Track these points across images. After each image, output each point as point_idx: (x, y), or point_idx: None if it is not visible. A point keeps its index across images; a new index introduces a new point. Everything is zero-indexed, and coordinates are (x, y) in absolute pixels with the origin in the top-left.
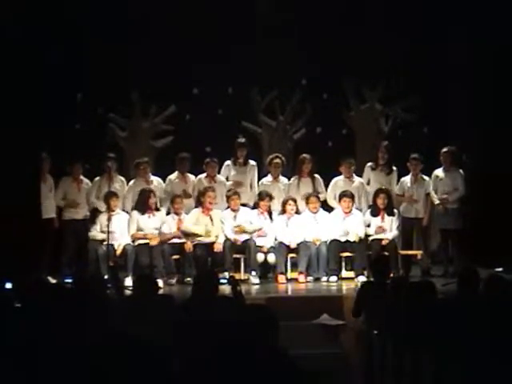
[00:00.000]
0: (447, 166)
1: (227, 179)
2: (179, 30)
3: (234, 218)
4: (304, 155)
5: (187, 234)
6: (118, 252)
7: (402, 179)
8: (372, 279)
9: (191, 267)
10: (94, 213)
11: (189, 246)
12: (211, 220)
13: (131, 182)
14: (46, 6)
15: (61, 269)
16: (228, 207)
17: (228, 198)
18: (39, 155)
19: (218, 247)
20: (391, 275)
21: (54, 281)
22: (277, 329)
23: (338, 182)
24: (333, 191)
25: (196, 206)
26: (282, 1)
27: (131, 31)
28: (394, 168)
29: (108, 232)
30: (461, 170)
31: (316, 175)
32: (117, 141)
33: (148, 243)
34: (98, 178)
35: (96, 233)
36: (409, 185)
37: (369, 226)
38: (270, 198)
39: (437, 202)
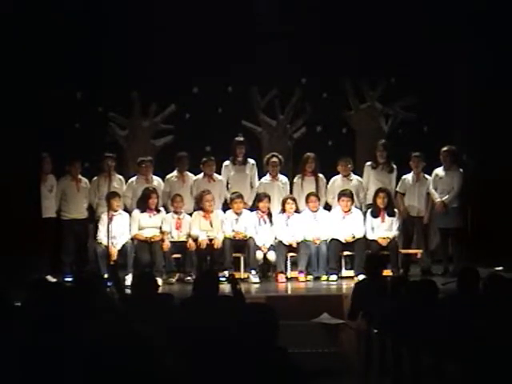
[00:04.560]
0: (447, 165)
1: (228, 180)
2: (179, 29)
3: (236, 221)
4: (308, 154)
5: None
6: (114, 253)
7: (404, 177)
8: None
9: (192, 266)
10: (94, 214)
11: (191, 244)
12: (211, 225)
13: (131, 180)
14: (46, 5)
15: (61, 268)
16: (229, 208)
17: (231, 200)
18: (39, 155)
19: (217, 244)
20: (390, 274)
21: (54, 280)
22: (277, 328)
23: (337, 182)
24: (331, 190)
25: (195, 209)
26: (282, 1)
27: (131, 30)
28: (395, 166)
29: (108, 232)
30: (461, 170)
31: (320, 175)
32: (117, 140)
33: (148, 241)
34: (96, 178)
35: (102, 236)
36: (410, 183)
37: (372, 229)
38: (269, 198)
39: (437, 200)
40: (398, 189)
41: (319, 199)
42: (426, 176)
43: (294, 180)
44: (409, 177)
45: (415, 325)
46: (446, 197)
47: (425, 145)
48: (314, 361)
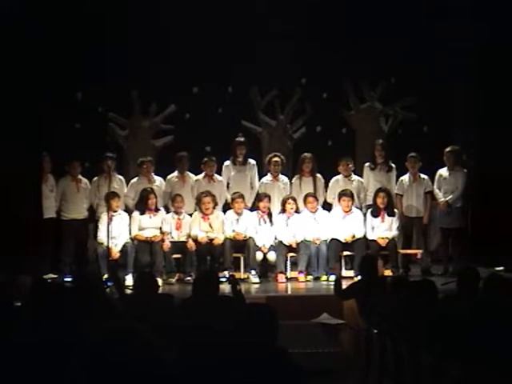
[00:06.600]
0: (451, 165)
1: (228, 180)
2: (180, 29)
3: (237, 222)
4: (305, 154)
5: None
6: (115, 253)
7: (401, 178)
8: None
9: (192, 266)
10: (94, 214)
11: (191, 245)
12: (210, 226)
13: (133, 180)
14: (46, 6)
15: (61, 268)
16: (230, 208)
17: (233, 200)
18: (40, 155)
19: (218, 242)
20: (390, 274)
21: (54, 280)
22: (277, 328)
23: (338, 182)
24: (332, 190)
25: (196, 209)
26: (282, 1)
27: (131, 30)
28: (393, 166)
29: (108, 232)
30: (465, 170)
31: (318, 175)
32: (117, 140)
33: (148, 241)
34: (96, 178)
35: (103, 237)
36: (408, 183)
37: (373, 228)
38: (269, 198)
39: (441, 199)
40: (396, 191)
41: (317, 199)
42: (423, 176)
43: (293, 180)
44: (405, 178)
45: (415, 325)
46: (450, 197)
47: (425, 145)
48: (314, 361)
